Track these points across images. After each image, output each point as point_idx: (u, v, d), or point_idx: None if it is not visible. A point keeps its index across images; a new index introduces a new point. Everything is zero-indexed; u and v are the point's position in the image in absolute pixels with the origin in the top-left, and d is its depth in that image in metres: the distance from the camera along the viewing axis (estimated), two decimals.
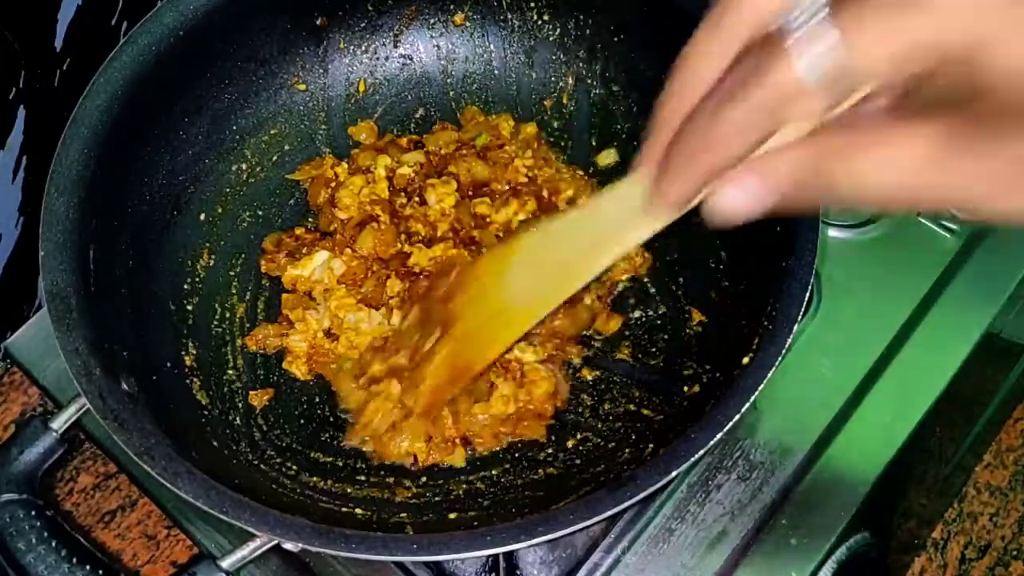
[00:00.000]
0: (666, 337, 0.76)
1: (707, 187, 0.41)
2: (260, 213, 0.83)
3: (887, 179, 0.36)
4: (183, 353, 0.74)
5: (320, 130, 0.86)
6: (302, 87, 0.85)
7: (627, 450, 0.69)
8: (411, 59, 0.87)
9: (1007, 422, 0.84)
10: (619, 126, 0.84)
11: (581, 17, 0.82)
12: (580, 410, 0.74)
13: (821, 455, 0.73)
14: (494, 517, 0.65)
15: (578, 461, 0.71)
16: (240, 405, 0.74)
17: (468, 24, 0.86)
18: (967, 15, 0.32)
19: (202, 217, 0.80)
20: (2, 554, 0.59)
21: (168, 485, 0.57)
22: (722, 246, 0.73)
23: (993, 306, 0.79)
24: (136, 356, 0.67)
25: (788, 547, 0.70)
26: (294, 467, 0.71)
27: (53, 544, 0.59)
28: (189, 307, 0.77)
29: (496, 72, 0.87)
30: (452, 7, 0.85)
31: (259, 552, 0.58)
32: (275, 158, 0.84)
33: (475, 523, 0.63)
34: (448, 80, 0.88)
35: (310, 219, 0.84)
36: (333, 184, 0.83)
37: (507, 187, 0.82)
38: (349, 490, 0.70)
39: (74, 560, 0.59)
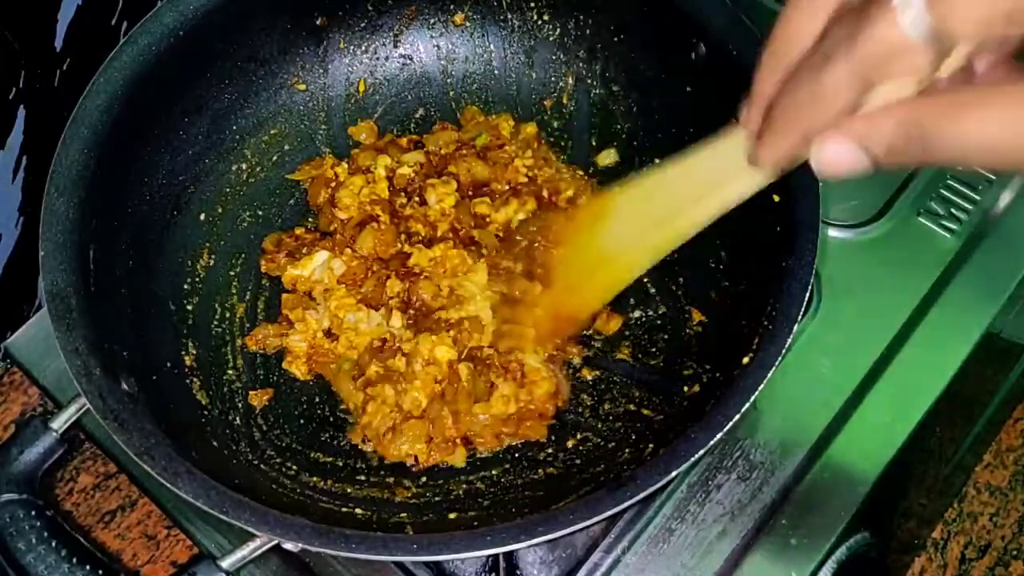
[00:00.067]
0: (666, 337, 0.76)
1: (809, 144, 0.42)
2: (260, 213, 0.83)
3: (990, 138, 0.36)
4: (183, 353, 0.74)
5: (320, 130, 0.86)
6: (302, 87, 0.85)
7: (627, 450, 0.69)
8: (411, 59, 0.87)
9: (1007, 422, 0.84)
10: (619, 126, 0.84)
11: (581, 17, 0.82)
12: (580, 410, 0.74)
13: (821, 455, 0.73)
14: (494, 517, 0.65)
15: (578, 461, 0.71)
16: (240, 405, 0.74)
17: (468, 24, 0.86)
18: None
19: (202, 217, 0.80)
20: (2, 554, 0.59)
21: (168, 485, 0.57)
22: (722, 246, 0.73)
23: (993, 306, 0.79)
24: (136, 356, 0.67)
25: (788, 547, 0.70)
26: (294, 467, 0.71)
27: (53, 544, 0.59)
28: (189, 307, 0.77)
29: (496, 72, 0.87)
30: (452, 7, 0.85)
31: (259, 552, 0.58)
32: (275, 158, 0.84)
33: (475, 523, 0.63)
34: (448, 80, 0.88)
35: (310, 219, 0.84)
36: (333, 184, 0.83)
37: (507, 187, 0.82)
38: (349, 490, 0.70)
39: (74, 560, 0.59)
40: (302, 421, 0.75)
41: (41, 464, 0.63)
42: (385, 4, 0.84)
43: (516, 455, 0.72)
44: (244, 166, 0.83)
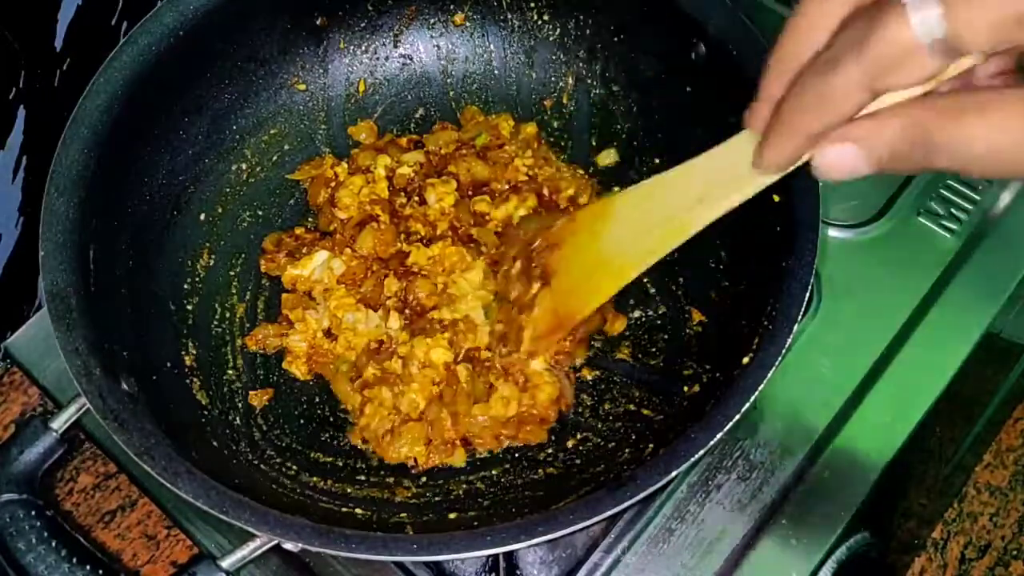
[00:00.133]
0: (666, 337, 0.76)
1: (813, 147, 0.42)
2: (260, 213, 0.83)
3: (993, 145, 0.36)
4: (183, 353, 0.74)
5: (320, 130, 0.86)
6: (302, 87, 0.85)
7: (627, 450, 0.69)
8: (411, 59, 0.87)
9: (1007, 422, 0.84)
10: (619, 126, 0.84)
11: (581, 17, 0.82)
12: (580, 410, 0.74)
13: (821, 455, 0.73)
14: (494, 517, 0.65)
15: (578, 461, 0.71)
16: (240, 405, 0.74)
17: (468, 24, 0.86)
18: None
19: (202, 217, 0.80)
20: (2, 554, 0.59)
21: (168, 485, 0.57)
22: (722, 246, 0.73)
23: (993, 306, 0.79)
24: (136, 356, 0.67)
25: (788, 547, 0.70)
26: (294, 467, 0.71)
27: (53, 544, 0.59)
28: (189, 307, 0.77)
29: (496, 72, 0.87)
30: (452, 7, 0.85)
31: (259, 552, 0.58)
32: (275, 158, 0.84)
33: (475, 523, 0.63)
34: (448, 80, 0.88)
35: (310, 219, 0.84)
36: (333, 184, 0.83)
37: (507, 187, 0.82)
38: (349, 490, 0.70)
39: (74, 560, 0.59)
40: (302, 421, 0.75)
41: (41, 464, 0.63)
42: (385, 4, 0.84)
43: (516, 455, 0.72)
44: (244, 166, 0.83)
